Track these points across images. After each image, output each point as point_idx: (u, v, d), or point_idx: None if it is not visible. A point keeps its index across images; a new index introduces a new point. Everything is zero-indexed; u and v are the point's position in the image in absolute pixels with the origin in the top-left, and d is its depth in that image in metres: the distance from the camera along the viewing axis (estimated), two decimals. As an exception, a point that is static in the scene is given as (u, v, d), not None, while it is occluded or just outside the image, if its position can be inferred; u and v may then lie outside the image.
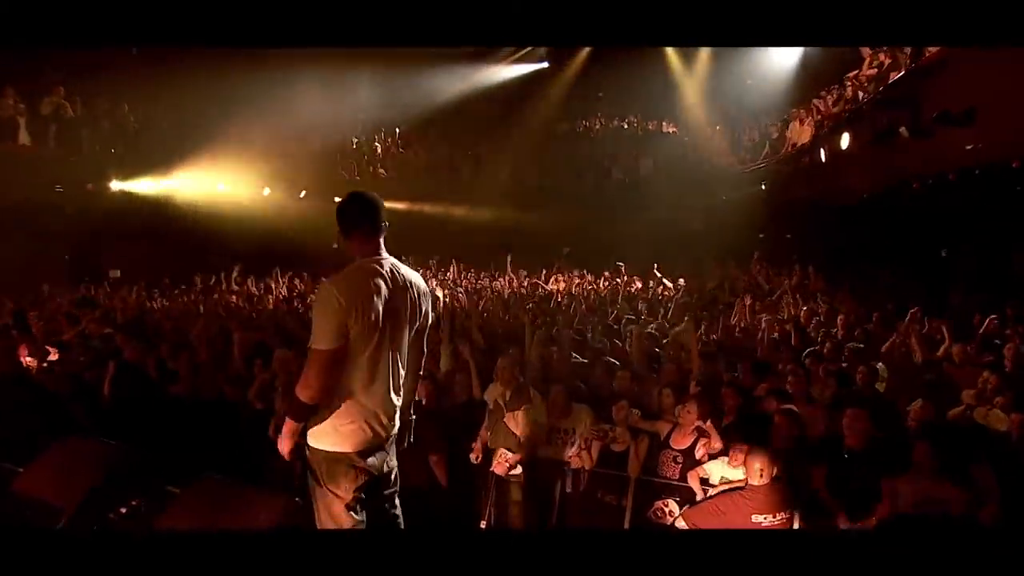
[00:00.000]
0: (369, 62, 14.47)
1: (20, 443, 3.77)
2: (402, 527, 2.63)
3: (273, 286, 10.93)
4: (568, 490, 4.35)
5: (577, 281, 12.36)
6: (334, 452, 2.36)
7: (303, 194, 13.77)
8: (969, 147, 5.16)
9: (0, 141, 9.52)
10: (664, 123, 17.77)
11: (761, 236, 13.32)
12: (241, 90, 12.33)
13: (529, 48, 18.64)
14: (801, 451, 3.97)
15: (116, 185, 10.74)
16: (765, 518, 3.35)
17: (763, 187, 11.20)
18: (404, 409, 2.58)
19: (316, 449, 2.38)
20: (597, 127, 18.83)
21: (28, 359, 5.78)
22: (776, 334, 6.66)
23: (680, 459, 4.15)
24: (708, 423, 4.07)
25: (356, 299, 2.25)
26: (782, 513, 3.40)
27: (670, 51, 16.60)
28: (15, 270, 9.62)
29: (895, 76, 6.29)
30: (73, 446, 3.55)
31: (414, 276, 2.54)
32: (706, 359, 5.32)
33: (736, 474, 3.84)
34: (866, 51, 7.76)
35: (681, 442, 4.20)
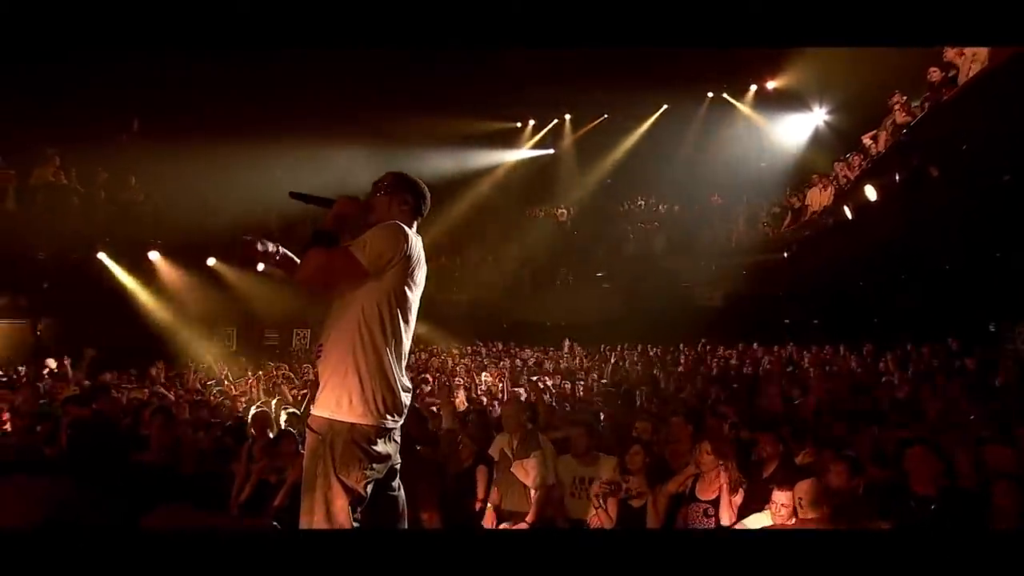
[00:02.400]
0: (367, 143, 15.22)
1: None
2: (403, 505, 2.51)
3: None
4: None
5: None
6: (360, 425, 2.25)
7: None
8: (1007, 178, 5.22)
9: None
10: (676, 206, 18.36)
11: (787, 322, 13.38)
12: (239, 167, 12.89)
13: (534, 133, 19.74)
14: (861, 504, 3.68)
15: (102, 256, 10.90)
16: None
17: (785, 255, 11.31)
18: None
19: (339, 423, 2.24)
20: (607, 210, 19.46)
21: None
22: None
23: (712, 511, 3.86)
24: (730, 465, 3.84)
25: (417, 254, 2.39)
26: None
27: (676, 137, 17.60)
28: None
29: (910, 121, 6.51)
30: (13, 484, 3.31)
31: None
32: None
33: (781, 529, 3.56)
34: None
35: (708, 492, 3.93)
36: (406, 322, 2.39)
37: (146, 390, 8.38)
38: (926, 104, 6.42)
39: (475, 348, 14.16)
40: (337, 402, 2.26)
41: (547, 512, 4.18)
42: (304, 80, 13.00)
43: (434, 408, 5.92)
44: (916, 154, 6.06)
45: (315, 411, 2.32)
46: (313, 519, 2.21)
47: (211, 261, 12.72)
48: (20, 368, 9.47)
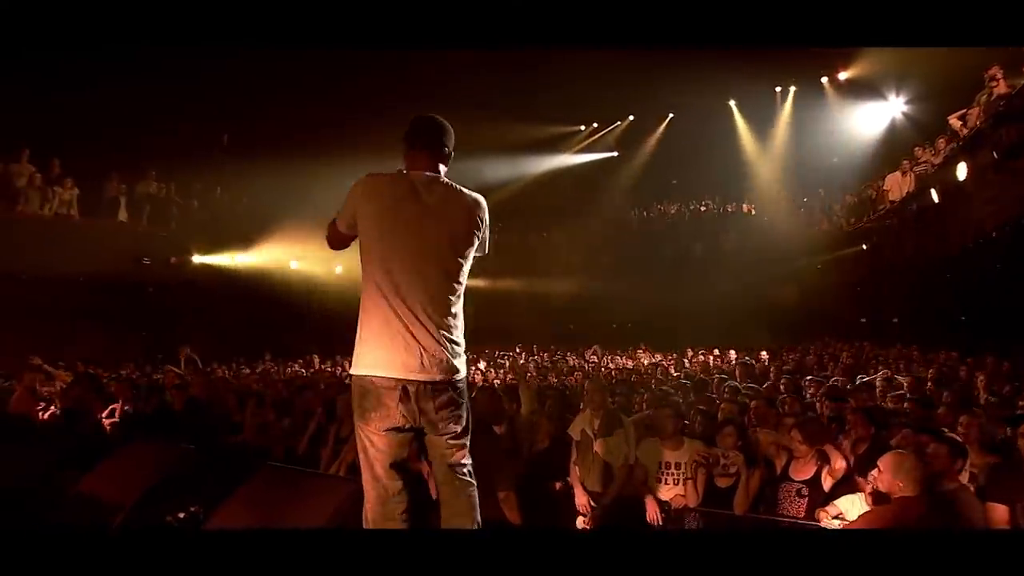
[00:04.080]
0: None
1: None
2: (469, 490, 2.33)
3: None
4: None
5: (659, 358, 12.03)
6: (360, 376, 2.19)
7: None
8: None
9: (104, 218, 10.74)
10: (744, 205, 17.80)
11: (863, 320, 12.70)
12: (316, 175, 13.49)
13: (597, 136, 19.61)
14: (964, 489, 3.42)
15: (198, 259, 11.65)
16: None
17: (864, 247, 10.69)
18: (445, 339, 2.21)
19: (352, 378, 2.24)
20: (673, 210, 19.10)
21: (106, 418, 6.12)
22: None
23: (805, 491, 3.65)
24: (827, 445, 3.64)
25: (369, 196, 2.23)
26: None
27: (744, 134, 17.09)
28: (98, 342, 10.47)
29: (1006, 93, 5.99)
30: (135, 450, 3.56)
31: (458, 194, 2.31)
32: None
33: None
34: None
35: (803, 472, 3.73)
36: (385, 271, 2.16)
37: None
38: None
39: (542, 348, 14.13)
40: (353, 362, 2.26)
41: (627, 491, 4.09)
42: (375, 89, 13.39)
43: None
44: (1017, 125, 5.57)
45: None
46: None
47: (294, 264, 13.32)
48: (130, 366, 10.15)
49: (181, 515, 3.22)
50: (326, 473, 3.22)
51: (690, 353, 11.85)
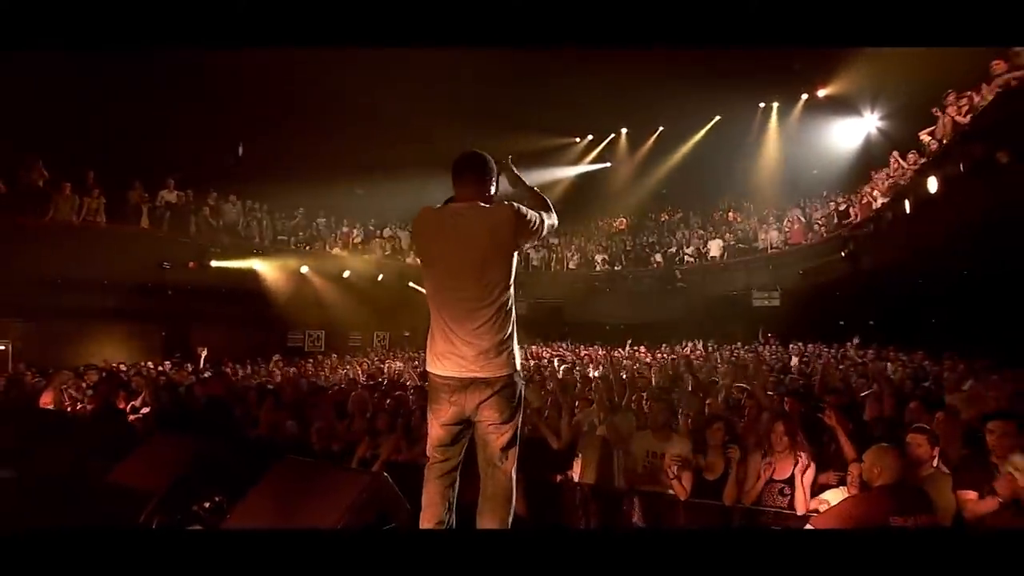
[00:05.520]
0: (438, 166, 15.53)
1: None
2: (504, 480, 2.49)
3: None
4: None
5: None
6: (428, 372, 2.50)
7: (380, 277, 14.46)
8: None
9: (128, 224, 10.80)
10: (730, 213, 17.90)
11: (841, 323, 12.77)
12: (326, 183, 13.56)
13: (595, 149, 19.70)
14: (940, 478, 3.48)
15: (215, 264, 11.68)
16: (907, 520, 2.85)
17: (843, 254, 10.76)
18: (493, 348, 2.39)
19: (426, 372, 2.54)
20: (663, 218, 19.21)
21: (130, 413, 6.14)
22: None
23: (787, 491, 3.67)
24: (802, 447, 3.68)
25: (418, 230, 2.53)
26: (925, 515, 2.90)
27: (729, 147, 17.20)
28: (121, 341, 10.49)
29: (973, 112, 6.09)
30: (162, 443, 3.59)
31: (484, 215, 2.41)
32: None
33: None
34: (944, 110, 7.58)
35: (780, 471, 3.75)
36: (434, 291, 2.46)
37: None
38: (995, 90, 5.96)
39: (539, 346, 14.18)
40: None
41: (619, 482, 4.13)
42: (376, 102, 13.40)
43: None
44: (983, 142, 5.65)
45: None
46: None
47: (304, 269, 13.34)
48: (148, 363, 10.18)
49: (207, 504, 3.26)
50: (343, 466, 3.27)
51: (680, 352, 11.92)
